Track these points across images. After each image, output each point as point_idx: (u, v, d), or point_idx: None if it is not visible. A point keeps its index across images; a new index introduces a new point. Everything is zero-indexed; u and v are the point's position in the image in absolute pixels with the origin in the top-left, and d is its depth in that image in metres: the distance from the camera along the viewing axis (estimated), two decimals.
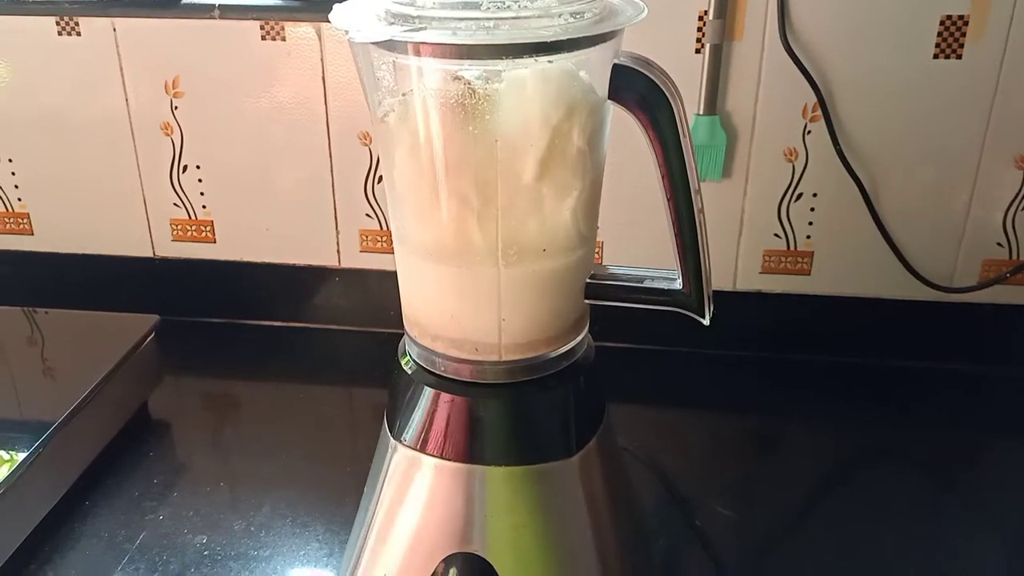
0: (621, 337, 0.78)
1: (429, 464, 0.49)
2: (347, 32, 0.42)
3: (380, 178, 0.88)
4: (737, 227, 0.85)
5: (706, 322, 0.47)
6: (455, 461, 0.48)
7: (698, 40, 0.79)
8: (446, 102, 0.44)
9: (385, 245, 0.90)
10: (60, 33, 0.85)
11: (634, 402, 0.82)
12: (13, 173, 0.92)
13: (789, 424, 0.81)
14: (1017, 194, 0.81)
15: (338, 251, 0.91)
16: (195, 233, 0.92)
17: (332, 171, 0.88)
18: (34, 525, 0.66)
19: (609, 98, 0.45)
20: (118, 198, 0.92)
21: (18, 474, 0.63)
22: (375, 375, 0.86)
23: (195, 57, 0.85)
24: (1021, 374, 0.84)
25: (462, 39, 0.41)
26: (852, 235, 0.84)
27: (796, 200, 0.84)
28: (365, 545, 0.52)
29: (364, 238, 0.90)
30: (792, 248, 0.85)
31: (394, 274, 0.52)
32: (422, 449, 0.49)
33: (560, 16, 0.42)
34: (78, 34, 0.85)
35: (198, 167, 0.89)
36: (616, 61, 0.44)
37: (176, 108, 0.87)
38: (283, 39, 0.83)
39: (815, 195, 0.83)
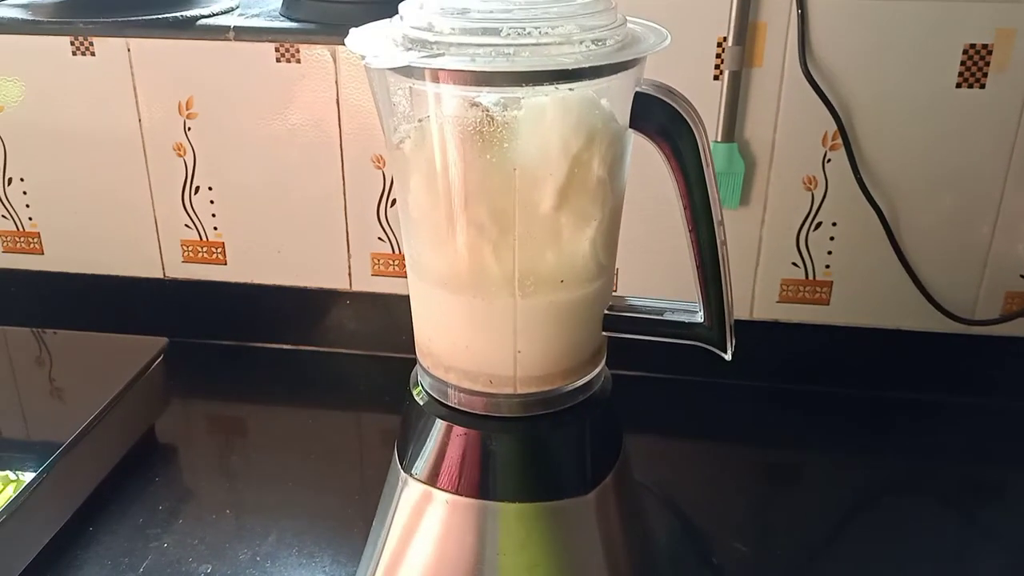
0: (634, 366, 0.77)
1: (440, 499, 0.48)
2: (364, 58, 0.41)
3: (393, 201, 0.87)
4: (755, 256, 0.84)
5: (728, 357, 0.46)
6: (467, 497, 0.47)
7: (717, 67, 0.78)
8: (463, 129, 0.43)
9: (397, 269, 0.89)
10: (74, 53, 0.85)
11: (648, 432, 0.80)
12: (24, 192, 0.92)
13: (806, 457, 0.80)
14: None
15: (349, 274, 0.90)
16: (206, 254, 0.92)
17: (345, 194, 0.87)
18: (36, 551, 0.65)
19: (630, 126, 0.44)
20: (129, 218, 0.91)
21: (23, 497, 0.62)
22: (385, 401, 0.85)
23: (209, 78, 0.84)
24: None
25: (481, 66, 0.40)
26: (872, 265, 0.83)
27: (815, 229, 0.82)
28: None
29: (376, 261, 0.89)
30: (811, 277, 0.84)
31: (406, 298, 0.50)
32: (433, 483, 0.48)
33: (581, 43, 0.41)
34: (92, 54, 0.85)
35: (210, 188, 0.89)
36: (638, 89, 0.43)
37: (189, 129, 0.87)
38: (298, 61, 0.83)
39: (834, 224, 0.82)
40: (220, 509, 0.72)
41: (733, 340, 0.46)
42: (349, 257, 0.90)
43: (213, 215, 0.90)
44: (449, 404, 0.48)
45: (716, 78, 0.78)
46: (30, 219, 0.93)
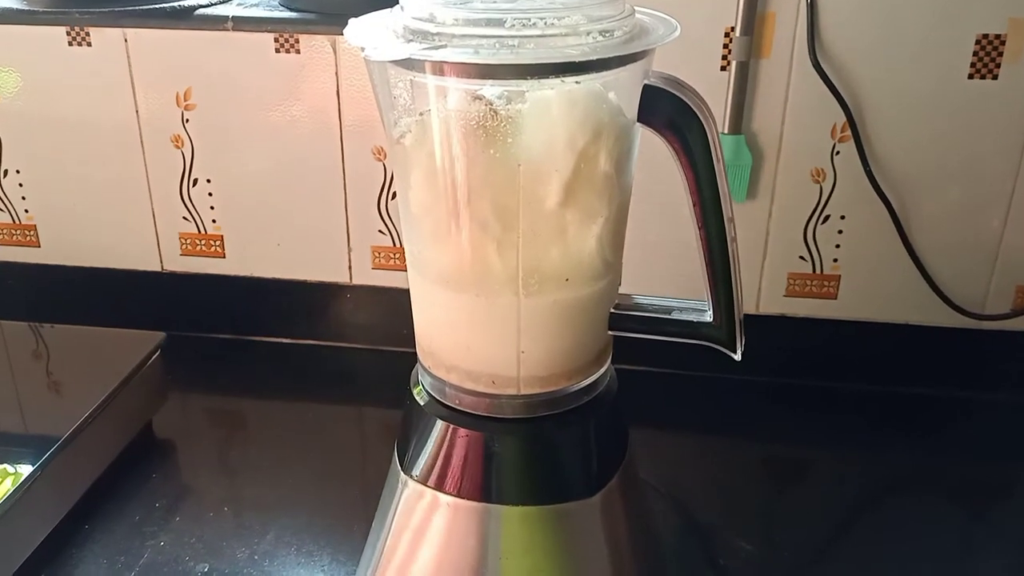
0: (638, 360, 0.75)
1: (441, 502, 0.47)
2: (363, 50, 0.40)
3: (394, 194, 0.86)
4: (762, 249, 0.82)
5: (737, 357, 0.45)
6: (469, 499, 0.46)
7: (724, 57, 0.76)
8: (466, 123, 0.41)
9: (398, 262, 0.88)
10: (71, 43, 0.84)
11: (652, 428, 0.79)
12: (20, 184, 0.91)
13: (813, 453, 0.79)
14: None
15: (350, 268, 0.89)
16: (204, 247, 0.91)
17: (345, 186, 0.86)
18: (33, 548, 0.64)
19: (639, 120, 0.42)
20: (127, 211, 0.90)
21: (21, 491, 0.61)
22: (386, 395, 0.84)
23: (207, 69, 0.83)
24: None
25: (484, 58, 0.39)
26: (880, 259, 0.81)
27: (823, 222, 0.81)
28: None
29: (376, 255, 0.88)
30: (818, 271, 0.83)
31: (407, 292, 0.49)
32: (434, 486, 0.47)
33: (588, 34, 0.40)
34: (89, 44, 0.84)
35: (208, 180, 0.88)
36: (646, 82, 0.42)
37: (187, 120, 0.85)
38: (297, 52, 0.81)
39: (843, 217, 0.81)
40: (218, 506, 0.71)
41: (743, 340, 0.45)
42: (349, 250, 0.88)
43: (212, 208, 0.89)
44: (450, 405, 0.47)
45: (723, 69, 0.77)
46: (26, 211, 0.92)
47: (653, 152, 0.46)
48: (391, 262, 0.88)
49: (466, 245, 0.43)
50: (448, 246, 0.44)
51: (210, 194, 0.88)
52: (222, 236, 0.90)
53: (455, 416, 0.47)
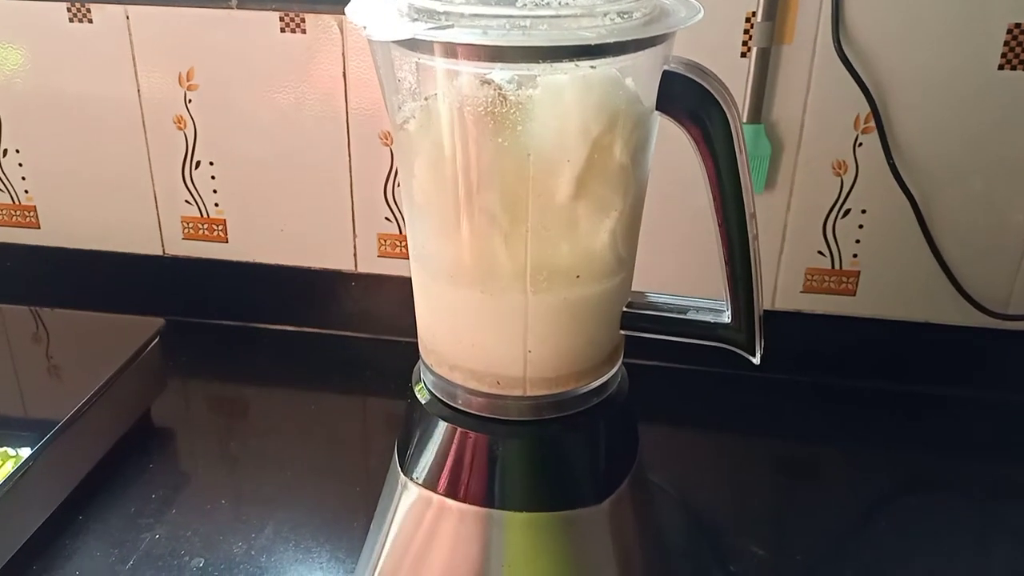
0: (650, 355, 0.73)
1: (442, 506, 0.45)
2: (365, 29, 0.37)
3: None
4: (779, 243, 0.80)
5: (756, 361, 0.43)
6: (471, 504, 0.44)
7: (744, 43, 0.74)
8: (473, 109, 0.39)
9: (404, 250, 0.86)
10: (71, 20, 0.82)
11: (663, 425, 0.77)
12: (20, 164, 0.89)
13: (829, 453, 0.77)
14: None
15: (355, 255, 0.87)
16: (207, 232, 0.89)
17: (351, 171, 0.84)
18: (25, 538, 0.62)
19: (657, 108, 0.40)
20: (128, 193, 0.88)
21: (17, 476, 0.60)
22: (390, 386, 0.82)
23: (211, 48, 0.81)
24: None
25: (493, 39, 0.37)
26: (902, 255, 0.79)
27: (843, 216, 0.78)
28: None
29: (382, 242, 0.86)
30: (837, 267, 0.80)
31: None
32: (435, 489, 0.45)
33: (605, 15, 0.37)
34: (90, 21, 0.81)
35: (211, 163, 0.86)
36: (666, 67, 0.39)
37: (190, 101, 0.83)
38: (303, 31, 0.79)
39: (864, 211, 0.78)
40: (215, 498, 0.69)
41: (762, 343, 0.43)
42: (355, 237, 0.86)
43: (214, 191, 0.87)
44: (453, 405, 0.45)
45: (744, 55, 0.74)
46: (26, 192, 0.90)
47: (669, 141, 0.44)
48: (397, 250, 0.86)
49: (472, 238, 0.41)
50: (453, 239, 0.42)
51: (213, 177, 0.86)
52: (225, 220, 0.88)
53: (458, 417, 0.45)
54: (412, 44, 0.39)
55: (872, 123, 0.74)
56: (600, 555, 0.45)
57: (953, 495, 0.72)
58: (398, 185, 0.83)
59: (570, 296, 0.42)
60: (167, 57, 0.82)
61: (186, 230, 0.89)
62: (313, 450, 0.75)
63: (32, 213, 0.91)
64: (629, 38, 0.38)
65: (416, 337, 0.48)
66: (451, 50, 0.38)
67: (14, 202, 0.90)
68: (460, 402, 0.45)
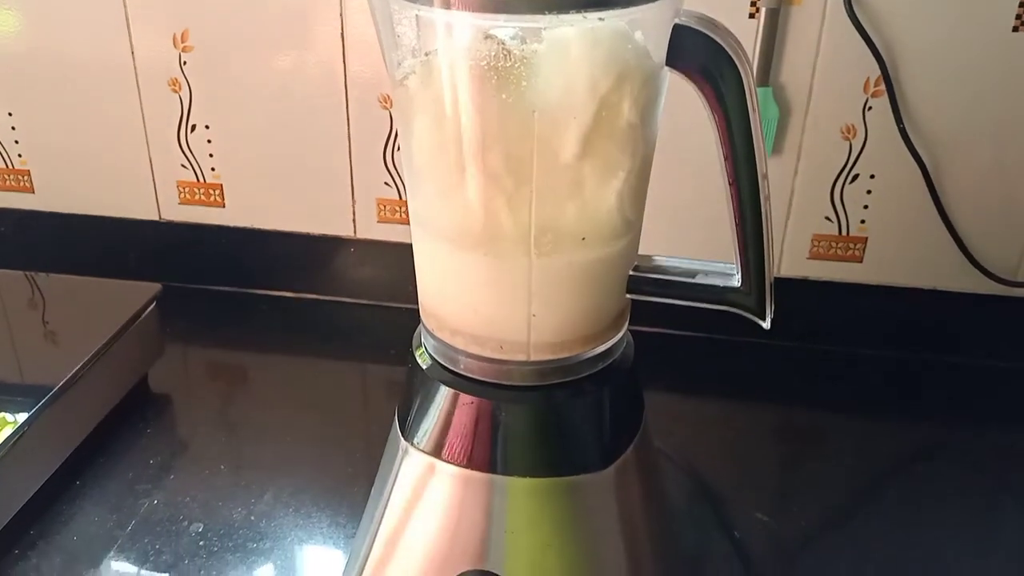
0: (654, 321, 0.72)
1: (444, 471, 0.44)
2: None
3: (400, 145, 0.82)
4: (785, 208, 0.79)
5: (766, 326, 0.42)
6: (474, 470, 0.43)
7: (753, 3, 0.72)
8: (475, 65, 0.37)
9: (404, 216, 0.84)
10: None
11: (668, 392, 0.76)
12: (13, 128, 0.87)
13: (834, 421, 0.76)
14: None
15: (354, 220, 0.86)
16: (203, 196, 0.87)
17: (349, 135, 0.82)
18: (21, 505, 0.62)
19: (667, 64, 0.38)
20: (122, 157, 0.86)
21: (12, 442, 0.59)
22: (391, 352, 0.81)
23: (206, 8, 0.79)
24: None
25: None
26: (910, 221, 0.78)
27: (851, 182, 0.77)
28: (370, 555, 0.47)
29: (382, 208, 0.85)
30: (844, 233, 0.79)
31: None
32: (437, 455, 0.44)
33: None
34: None
35: (207, 127, 0.84)
36: (677, 21, 0.38)
37: (185, 63, 0.81)
38: None
39: (872, 177, 0.77)
40: (214, 464, 0.69)
41: (772, 307, 0.42)
42: (354, 202, 0.85)
43: (211, 155, 0.85)
44: (455, 370, 0.44)
45: (752, 16, 0.72)
46: (19, 156, 0.89)
47: (678, 99, 0.43)
48: (397, 215, 0.85)
49: (474, 200, 0.40)
50: (454, 201, 0.41)
51: (209, 141, 0.85)
52: (221, 185, 0.87)
53: (460, 382, 0.44)
54: None
55: (882, 87, 0.73)
56: (605, 521, 0.44)
57: (962, 464, 0.72)
58: (398, 149, 0.82)
59: (575, 259, 0.41)
60: (161, 18, 0.80)
61: (182, 195, 0.88)
62: (313, 416, 0.75)
63: (26, 177, 0.89)
64: None
65: (417, 303, 0.47)
66: (452, 1, 0.36)
67: (7, 166, 0.89)
68: (462, 367, 0.44)
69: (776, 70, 0.74)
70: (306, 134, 0.83)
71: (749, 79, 0.38)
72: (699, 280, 0.43)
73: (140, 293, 0.75)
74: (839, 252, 0.80)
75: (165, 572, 0.59)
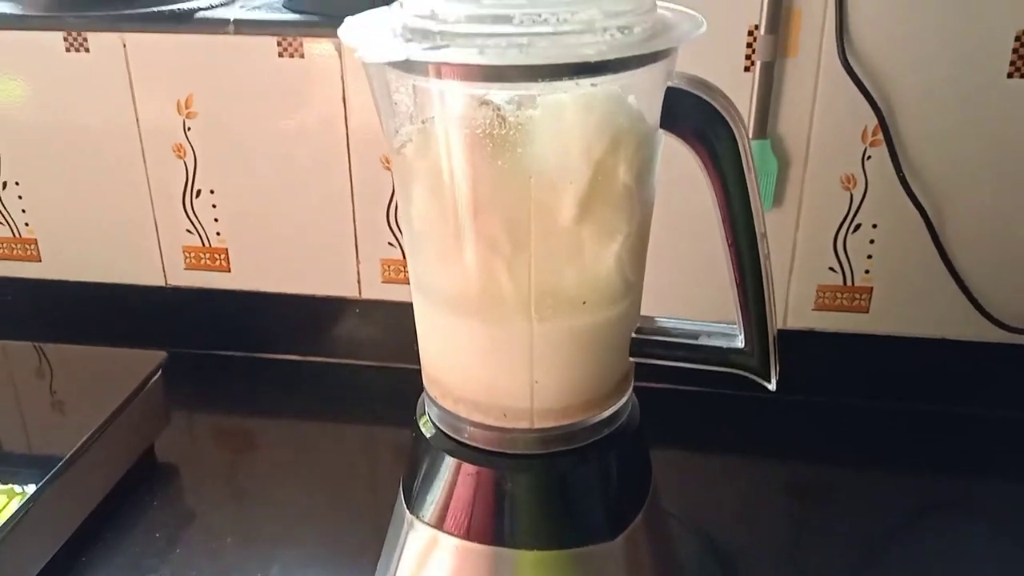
0: (657, 377, 0.72)
1: (449, 545, 0.43)
2: (357, 51, 0.36)
3: None
4: (788, 260, 0.78)
5: (772, 387, 0.41)
6: (479, 543, 0.42)
7: (748, 57, 0.72)
8: (472, 132, 0.38)
9: (408, 276, 0.84)
10: (68, 49, 0.81)
11: (674, 449, 0.75)
12: (20, 197, 0.88)
13: (844, 476, 0.74)
14: None
15: (358, 281, 0.86)
16: (209, 261, 0.87)
17: (353, 196, 0.82)
18: None
19: (661, 127, 0.39)
20: (129, 224, 0.87)
21: (16, 519, 0.59)
22: (398, 414, 0.79)
23: (209, 75, 0.80)
24: None
25: (490, 58, 0.35)
26: (915, 270, 0.77)
27: (854, 231, 0.77)
28: None
29: (386, 268, 0.85)
30: (849, 283, 0.79)
31: None
32: (441, 527, 0.43)
33: (605, 31, 0.36)
34: (87, 50, 0.81)
35: (212, 192, 0.85)
36: (670, 84, 0.38)
37: (189, 129, 0.82)
38: (301, 56, 0.78)
39: (875, 226, 0.76)
40: (221, 537, 0.68)
41: (777, 367, 0.41)
42: (358, 263, 0.85)
43: (216, 220, 0.86)
44: (459, 439, 0.44)
45: (747, 69, 0.73)
46: (26, 224, 0.89)
47: (676, 159, 0.43)
48: (402, 275, 0.85)
49: (473, 265, 0.40)
50: (453, 266, 0.40)
51: (214, 205, 0.85)
52: (227, 249, 0.87)
53: (464, 451, 0.43)
54: (407, 66, 0.38)
55: (880, 136, 0.73)
56: None
57: (973, 517, 0.70)
58: None
59: (576, 323, 0.41)
60: (165, 85, 0.81)
61: (188, 260, 0.88)
62: (320, 484, 0.73)
63: (33, 246, 0.90)
64: (630, 54, 0.36)
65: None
66: (447, 71, 0.37)
67: (15, 235, 0.90)
68: (466, 436, 0.43)
69: (774, 122, 0.74)
70: (310, 196, 0.83)
71: (744, 140, 0.38)
72: (702, 342, 0.42)
73: (145, 362, 0.75)
74: (845, 303, 0.79)
75: None
